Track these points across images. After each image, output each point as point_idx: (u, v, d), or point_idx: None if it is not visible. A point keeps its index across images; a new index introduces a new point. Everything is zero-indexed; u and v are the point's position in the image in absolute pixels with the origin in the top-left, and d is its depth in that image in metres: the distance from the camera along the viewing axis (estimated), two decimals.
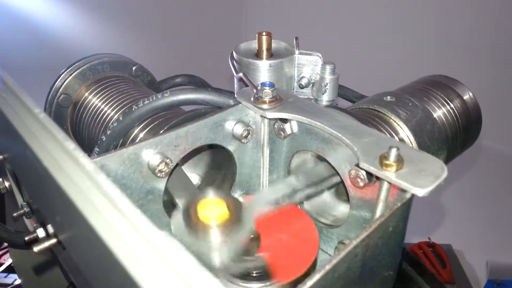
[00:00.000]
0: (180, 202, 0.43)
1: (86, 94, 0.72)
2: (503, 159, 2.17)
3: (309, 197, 0.49)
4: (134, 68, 0.77)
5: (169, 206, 0.47)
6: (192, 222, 0.34)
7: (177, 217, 0.36)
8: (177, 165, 0.45)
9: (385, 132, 0.56)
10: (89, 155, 0.44)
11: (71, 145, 0.27)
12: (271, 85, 0.47)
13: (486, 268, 1.62)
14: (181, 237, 0.34)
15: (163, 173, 0.42)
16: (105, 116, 0.68)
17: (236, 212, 0.35)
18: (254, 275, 0.38)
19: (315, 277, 0.26)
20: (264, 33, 0.57)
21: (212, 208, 0.35)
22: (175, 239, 0.35)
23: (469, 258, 1.63)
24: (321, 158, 0.47)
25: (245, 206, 0.37)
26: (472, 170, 2.04)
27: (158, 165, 0.41)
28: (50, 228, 0.39)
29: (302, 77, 0.60)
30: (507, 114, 2.18)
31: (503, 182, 2.09)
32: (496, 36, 2.12)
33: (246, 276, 0.39)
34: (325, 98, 0.60)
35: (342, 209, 0.51)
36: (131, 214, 0.22)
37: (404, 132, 0.57)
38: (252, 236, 0.40)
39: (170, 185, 0.45)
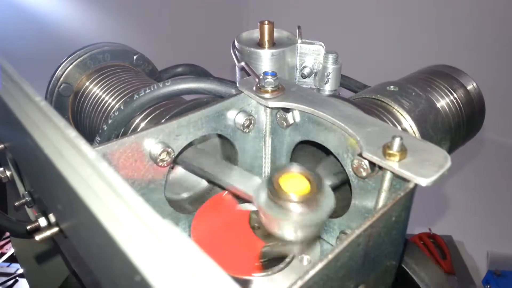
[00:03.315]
0: (219, 176, 0.43)
1: (87, 83, 0.72)
2: (505, 151, 2.17)
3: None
4: (135, 57, 0.77)
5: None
6: (277, 195, 0.33)
7: (261, 191, 0.35)
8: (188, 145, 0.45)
9: (388, 122, 0.56)
10: (91, 145, 0.44)
11: (72, 133, 0.27)
12: (274, 74, 0.46)
13: (486, 259, 1.63)
14: (263, 206, 0.34)
15: (164, 162, 0.42)
16: (106, 105, 0.68)
17: (319, 189, 0.34)
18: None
19: (318, 266, 0.26)
20: (266, 22, 0.57)
21: (295, 183, 0.35)
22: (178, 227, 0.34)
23: (470, 249, 1.64)
24: (322, 147, 0.47)
25: (327, 186, 0.36)
26: (474, 162, 2.04)
27: (159, 155, 0.41)
28: (52, 217, 0.39)
29: (305, 67, 0.60)
30: (510, 106, 2.17)
31: (505, 173, 2.09)
32: (502, 27, 2.10)
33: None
34: (328, 88, 0.60)
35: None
36: (133, 202, 0.21)
37: (407, 122, 0.56)
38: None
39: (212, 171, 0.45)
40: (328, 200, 0.34)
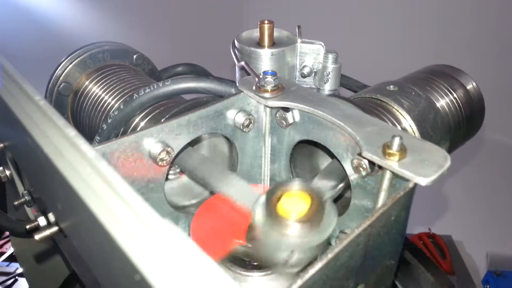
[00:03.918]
0: (219, 186, 0.42)
1: (87, 82, 0.72)
2: (505, 150, 2.17)
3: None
4: (135, 56, 0.77)
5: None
6: (273, 214, 0.32)
7: (259, 208, 0.33)
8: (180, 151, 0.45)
9: (388, 121, 0.56)
10: (90, 144, 0.44)
11: (72, 132, 0.27)
12: (273, 73, 0.46)
13: (486, 259, 1.63)
14: (260, 224, 0.32)
15: (164, 161, 0.42)
16: (105, 104, 0.68)
17: (319, 210, 0.32)
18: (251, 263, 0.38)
19: (318, 265, 0.26)
20: (266, 22, 0.57)
21: (296, 202, 0.33)
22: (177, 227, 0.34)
23: (469, 249, 1.64)
24: (322, 147, 0.47)
25: (328, 205, 0.34)
26: (474, 161, 2.04)
27: (159, 154, 0.41)
28: (51, 217, 0.39)
29: (304, 66, 0.59)
30: (510, 105, 2.17)
31: (505, 173, 2.09)
32: (501, 27, 2.10)
33: (243, 264, 0.39)
34: (327, 88, 0.59)
35: None
36: (133, 201, 0.21)
37: (407, 121, 0.56)
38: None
39: (200, 173, 0.44)
40: (330, 219, 0.32)
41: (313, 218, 0.31)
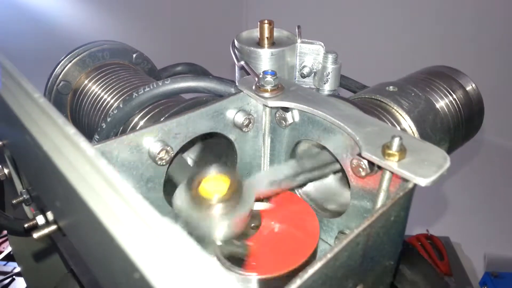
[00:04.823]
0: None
1: (86, 81, 0.72)
2: (504, 152, 2.17)
3: (309, 181, 0.49)
4: (134, 55, 0.77)
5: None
6: (194, 196, 0.35)
7: (181, 191, 0.36)
8: (177, 153, 0.45)
9: (387, 122, 0.56)
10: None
11: (71, 130, 0.27)
12: (273, 73, 0.46)
13: (483, 261, 1.63)
14: (184, 209, 0.35)
15: (163, 160, 0.42)
16: (105, 103, 0.67)
17: (237, 189, 0.36)
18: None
19: (317, 265, 0.26)
20: (266, 22, 0.57)
21: (214, 184, 0.36)
22: (177, 222, 0.35)
23: (467, 251, 1.64)
24: (322, 148, 0.47)
25: (246, 184, 0.37)
26: (472, 163, 2.04)
27: (158, 153, 0.41)
28: (50, 215, 0.39)
29: (304, 66, 0.59)
30: (509, 107, 2.17)
31: (503, 175, 2.09)
32: (502, 29, 2.10)
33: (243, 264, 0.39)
34: (327, 88, 0.60)
35: (348, 195, 0.51)
36: (133, 199, 0.21)
37: (406, 122, 0.56)
38: (253, 218, 0.42)
39: (173, 174, 0.45)
40: (249, 198, 0.36)
41: (231, 197, 0.35)
